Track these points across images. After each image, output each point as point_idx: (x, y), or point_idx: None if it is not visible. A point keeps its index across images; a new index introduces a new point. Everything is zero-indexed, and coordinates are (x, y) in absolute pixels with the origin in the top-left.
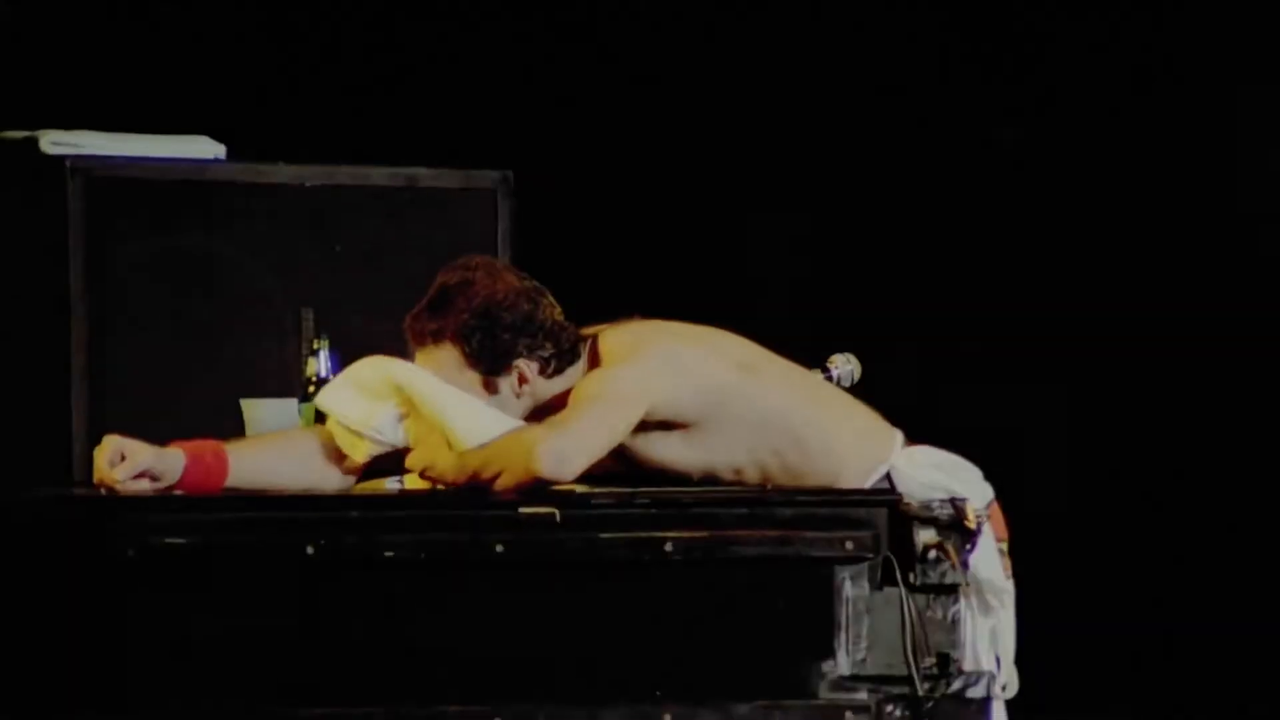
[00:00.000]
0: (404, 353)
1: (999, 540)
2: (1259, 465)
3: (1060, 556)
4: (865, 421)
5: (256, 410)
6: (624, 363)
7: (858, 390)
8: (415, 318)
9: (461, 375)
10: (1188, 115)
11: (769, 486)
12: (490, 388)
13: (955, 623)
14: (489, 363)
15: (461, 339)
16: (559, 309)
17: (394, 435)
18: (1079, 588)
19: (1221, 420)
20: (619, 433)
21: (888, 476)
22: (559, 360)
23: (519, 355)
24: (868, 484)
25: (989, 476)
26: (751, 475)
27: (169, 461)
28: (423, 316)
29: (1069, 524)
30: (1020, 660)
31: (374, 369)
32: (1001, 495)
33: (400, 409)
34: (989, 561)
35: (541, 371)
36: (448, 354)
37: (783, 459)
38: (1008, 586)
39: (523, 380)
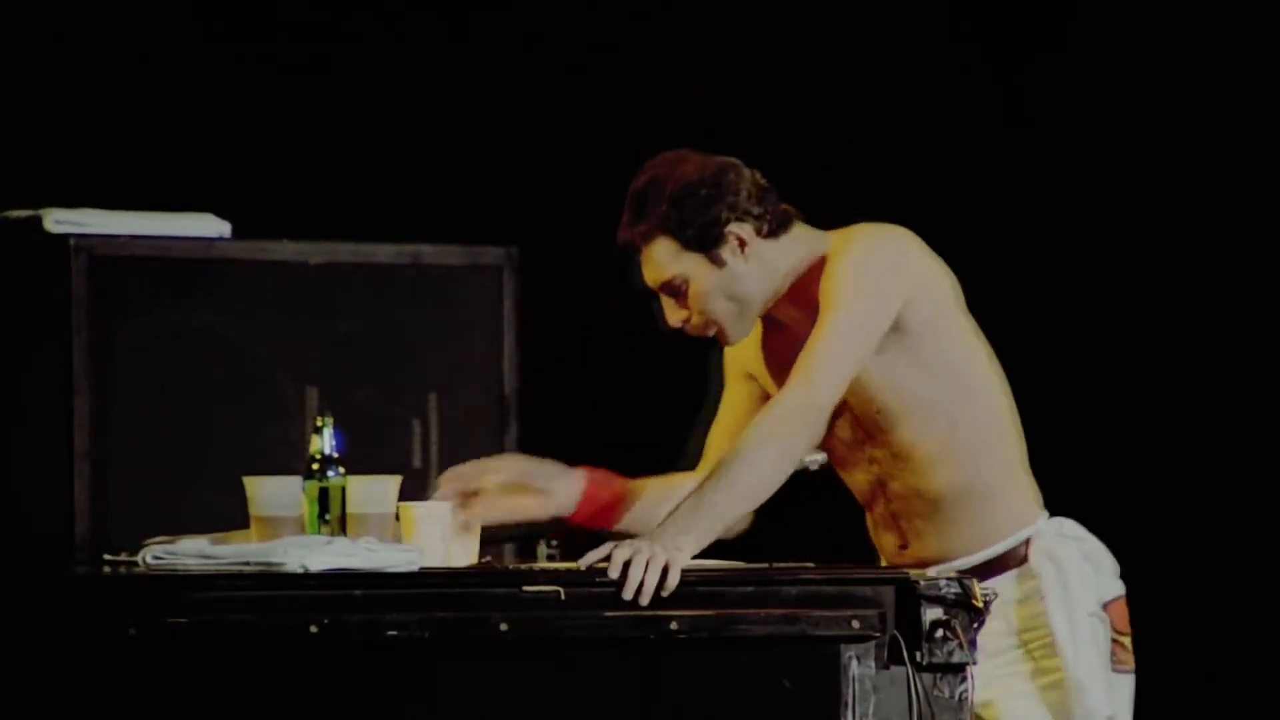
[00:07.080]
0: (410, 434)
1: (1121, 634)
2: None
3: None
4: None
5: (260, 488)
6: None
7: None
8: (622, 230)
9: (684, 262)
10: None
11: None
12: (716, 262)
13: (962, 702)
14: (702, 240)
15: (667, 230)
16: (757, 173)
17: None
18: None
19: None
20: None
21: (1027, 541)
22: (772, 218)
23: (727, 222)
24: (1008, 542)
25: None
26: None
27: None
28: (628, 227)
29: None
30: None
31: None
32: None
33: None
34: (1087, 644)
35: (758, 232)
36: (663, 248)
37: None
38: (1110, 675)
39: (743, 244)
